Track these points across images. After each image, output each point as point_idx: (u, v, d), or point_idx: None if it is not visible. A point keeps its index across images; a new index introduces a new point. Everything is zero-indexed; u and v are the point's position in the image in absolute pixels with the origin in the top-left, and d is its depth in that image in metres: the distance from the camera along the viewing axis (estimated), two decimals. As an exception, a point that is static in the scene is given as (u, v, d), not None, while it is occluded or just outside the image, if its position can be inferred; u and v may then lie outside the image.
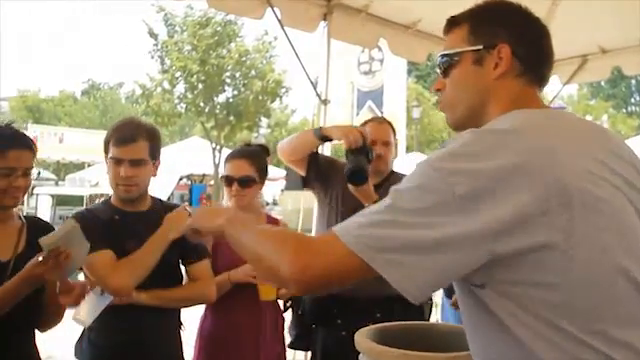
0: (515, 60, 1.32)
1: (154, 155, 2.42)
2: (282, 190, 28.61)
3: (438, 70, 1.42)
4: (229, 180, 2.76)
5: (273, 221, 2.95)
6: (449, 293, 3.94)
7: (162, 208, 2.49)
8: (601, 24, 2.73)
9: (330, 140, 2.84)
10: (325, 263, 1.15)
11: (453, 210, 1.07)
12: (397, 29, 4.63)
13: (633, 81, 45.91)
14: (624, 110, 50.03)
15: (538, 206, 1.06)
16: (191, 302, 2.56)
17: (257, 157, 2.84)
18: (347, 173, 2.61)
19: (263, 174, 2.84)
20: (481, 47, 1.33)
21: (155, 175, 2.47)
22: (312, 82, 4.26)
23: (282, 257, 1.19)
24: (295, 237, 1.26)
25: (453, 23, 1.43)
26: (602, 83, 45.40)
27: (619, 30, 4.41)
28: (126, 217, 2.43)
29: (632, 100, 52.30)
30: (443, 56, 1.40)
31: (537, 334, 1.09)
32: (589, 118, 44.79)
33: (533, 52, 1.35)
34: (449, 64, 1.38)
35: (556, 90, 6.17)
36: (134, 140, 2.34)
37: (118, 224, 2.40)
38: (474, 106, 1.36)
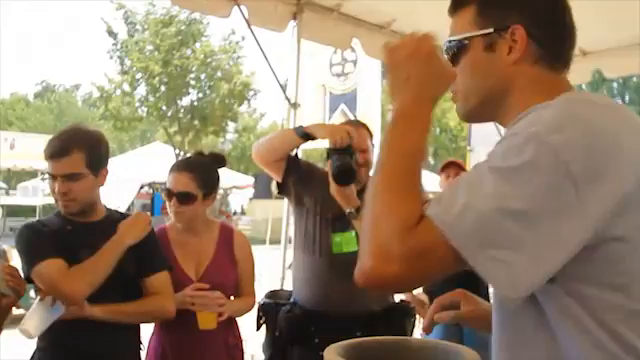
0: (532, 42, 1.23)
1: (95, 166, 2.35)
2: (250, 199, 28.51)
3: (446, 57, 1.32)
4: (169, 194, 2.68)
5: (227, 230, 2.89)
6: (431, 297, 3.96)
7: (117, 218, 2.46)
8: (581, 26, 2.75)
9: (313, 139, 2.76)
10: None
11: (569, 193, 0.98)
12: (371, 29, 4.65)
13: (615, 84, 46.89)
14: (606, 114, 51.02)
15: (636, 189, 1.02)
16: (149, 317, 2.52)
17: (202, 170, 2.73)
18: (334, 172, 2.58)
19: (208, 189, 2.73)
20: (492, 30, 1.25)
21: (103, 184, 2.42)
22: (281, 85, 4.25)
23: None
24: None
25: (458, 3, 1.34)
26: (583, 86, 46.25)
27: (600, 32, 4.49)
28: (78, 228, 2.39)
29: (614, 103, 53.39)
30: (450, 42, 1.31)
31: (596, 344, 1.03)
32: (570, 122, 45.44)
33: (551, 31, 1.26)
34: (457, 51, 1.29)
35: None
36: (66, 153, 2.27)
37: (70, 234, 2.36)
38: (489, 96, 1.27)
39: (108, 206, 2.52)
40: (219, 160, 2.88)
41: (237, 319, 2.86)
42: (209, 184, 2.74)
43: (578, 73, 5.40)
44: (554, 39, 1.26)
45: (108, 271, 2.24)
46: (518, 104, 1.22)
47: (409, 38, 1.28)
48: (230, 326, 2.80)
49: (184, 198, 2.64)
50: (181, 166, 2.75)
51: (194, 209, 2.67)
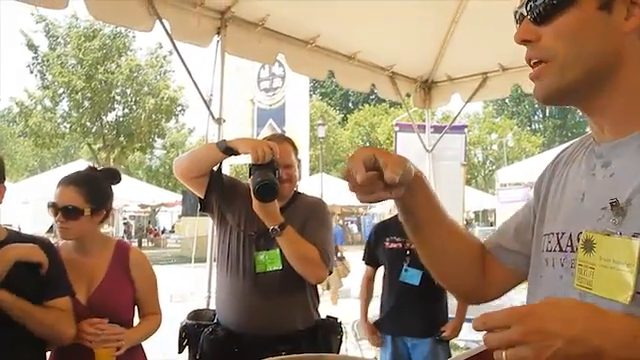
0: None
1: None
2: (179, 216, 28.09)
3: (525, 12, 1.07)
4: (54, 209, 2.53)
5: (123, 248, 2.73)
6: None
7: (18, 240, 2.35)
8: (500, 42, 2.85)
9: (236, 154, 2.68)
10: None
11: None
12: (296, 44, 4.67)
13: (536, 99, 48.71)
14: (528, 127, 53.04)
15: None
16: (49, 331, 2.32)
17: (91, 185, 2.59)
18: (256, 187, 2.51)
19: (98, 205, 2.58)
20: None
21: (0, 202, 2.32)
22: (205, 100, 4.20)
23: None
24: None
25: None
26: (506, 101, 47.91)
27: (517, 48, 4.66)
28: None
29: (535, 117, 55.53)
30: None
31: None
32: (494, 136, 47.12)
33: None
34: (557, 4, 1.02)
35: (458, 108, 6.44)
36: None
37: None
38: (598, 68, 1.02)
39: (26, 226, 2.40)
40: (112, 175, 2.73)
41: (152, 341, 2.75)
42: (98, 199, 2.59)
43: (498, 88, 5.61)
44: None
45: None
46: (626, 88, 1.02)
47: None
48: (136, 353, 2.66)
49: (69, 213, 2.50)
50: (68, 180, 2.58)
51: (81, 225, 2.53)
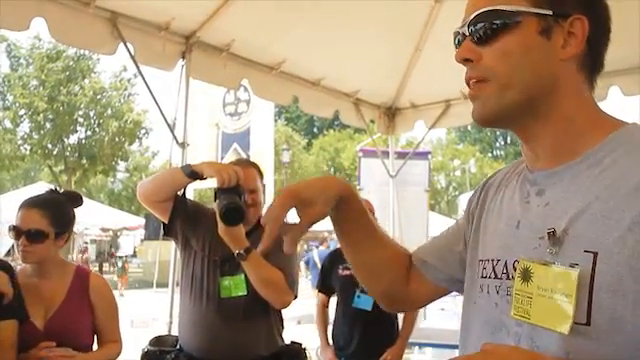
0: (585, 45, 1.04)
1: None
2: (142, 240, 27.70)
3: (467, 32, 1.08)
4: (17, 232, 2.48)
5: (83, 273, 2.68)
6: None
7: None
8: (462, 70, 2.90)
9: (201, 178, 2.65)
10: None
11: None
12: (260, 70, 4.69)
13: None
14: (490, 154, 53.85)
15: None
16: None
17: (55, 208, 2.56)
18: (222, 210, 2.48)
19: (61, 228, 2.55)
20: (550, 13, 1.03)
21: None
22: (169, 124, 4.18)
23: None
24: None
25: None
26: (469, 127, 48.62)
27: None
28: None
29: (497, 144, 56.47)
30: (489, 13, 1.05)
31: None
32: (457, 162, 47.79)
33: (603, 41, 1.08)
34: (502, 25, 1.04)
35: (422, 134, 6.52)
36: None
37: None
38: (535, 91, 1.04)
39: None
40: (75, 199, 2.70)
41: None
42: (62, 223, 2.57)
43: (461, 115, 5.70)
44: (602, 51, 1.08)
45: None
46: (560, 115, 1.05)
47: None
48: None
49: (34, 236, 2.46)
50: (32, 202, 2.54)
51: (45, 249, 2.49)
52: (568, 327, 0.94)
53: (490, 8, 1.04)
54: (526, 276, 1.01)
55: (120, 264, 22.56)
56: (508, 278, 1.07)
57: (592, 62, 1.07)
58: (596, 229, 0.95)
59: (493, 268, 1.12)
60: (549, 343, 0.97)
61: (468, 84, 1.10)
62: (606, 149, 1.01)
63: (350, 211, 1.31)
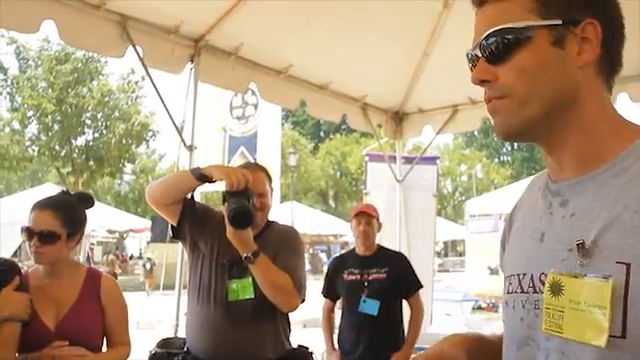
0: (601, 47, 1.02)
1: None
2: (148, 242, 27.74)
3: (479, 53, 1.06)
4: (29, 233, 2.49)
5: (94, 275, 2.70)
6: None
7: None
8: (469, 76, 2.90)
9: (210, 181, 2.67)
10: None
11: None
12: (268, 73, 4.70)
13: (504, 131, 49.50)
14: (497, 159, 53.77)
15: None
16: None
17: (67, 209, 2.58)
18: (230, 214, 2.50)
19: (73, 230, 2.57)
20: (560, 22, 1.01)
21: None
22: (177, 126, 4.19)
23: None
24: None
25: None
26: (475, 133, 48.58)
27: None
28: None
29: (504, 150, 56.35)
30: (500, 32, 1.03)
31: None
32: (464, 167, 47.73)
33: (619, 40, 1.06)
34: (513, 42, 1.02)
35: (429, 139, 6.52)
36: None
37: None
38: (557, 104, 1.03)
39: None
40: (86, 200, 2.72)
41: None
42: (74, 224, 2.58)
43: (468, 121, 5.69)
44: (618, 53, 1.06)
45: None
46: (583, 123, 1.04)
47: None
48: None
49: (46, 237, 2.47)
50: (44, 204, 2.56)
51: (57, 250, 2.51)
52: (604, 340, 0.92)
53: (499, 27, 1.02)
54: (556, 289, 0.99)
55: (148, 266, 22.78)
56: (535, 292, 1.05)
57: (610, 63, 1.05)
58: (628, 240, 0.93)
59: (519, 282, 1.10)
60: (583, 357, 0.95)
61: (488, 104, 1.08)
62: (632, 157, 0.99)
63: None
